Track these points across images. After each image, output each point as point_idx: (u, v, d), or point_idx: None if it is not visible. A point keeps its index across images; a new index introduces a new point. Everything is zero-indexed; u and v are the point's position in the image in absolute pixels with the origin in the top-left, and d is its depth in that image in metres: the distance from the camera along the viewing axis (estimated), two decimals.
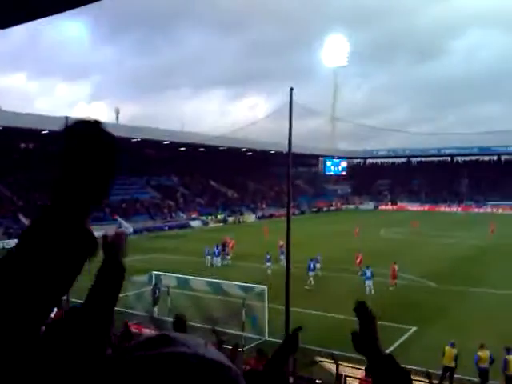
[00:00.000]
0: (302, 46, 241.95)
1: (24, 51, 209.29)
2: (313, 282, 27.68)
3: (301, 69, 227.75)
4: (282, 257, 32.80)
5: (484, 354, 14.86)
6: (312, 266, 28.27)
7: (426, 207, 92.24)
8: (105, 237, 1.45)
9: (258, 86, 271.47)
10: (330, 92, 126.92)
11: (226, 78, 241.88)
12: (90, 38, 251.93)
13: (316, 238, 47.32)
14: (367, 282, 25.92)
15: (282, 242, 34.02)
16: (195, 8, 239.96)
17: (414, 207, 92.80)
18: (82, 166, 1.04)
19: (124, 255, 1.41)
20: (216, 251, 35.07)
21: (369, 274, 26.02)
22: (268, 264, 30.99)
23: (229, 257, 35.52)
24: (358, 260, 29.94)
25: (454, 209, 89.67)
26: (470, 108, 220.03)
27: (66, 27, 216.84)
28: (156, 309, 21.96)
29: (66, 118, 24.70)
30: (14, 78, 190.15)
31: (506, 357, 14.57)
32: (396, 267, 27.40)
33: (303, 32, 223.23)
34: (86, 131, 1.05)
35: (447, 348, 15.17)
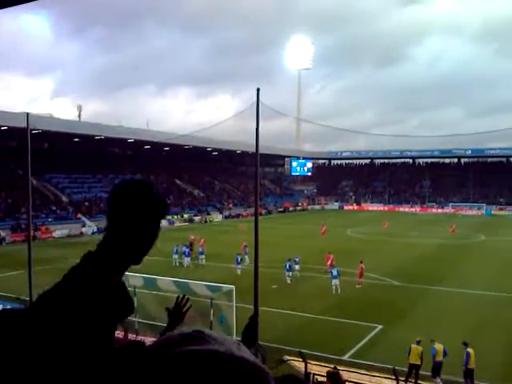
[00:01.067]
0: (269, 47, 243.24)
1: None
2: (289, 281, 27.87)
3: (267, 70, 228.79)
4: (246, 257, 32.96)
5: (439, 347, 15.29)
6: (288, 266, 28.32)
7: (389, 207, 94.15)
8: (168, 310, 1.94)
9: (224, 85, 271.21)
10: (295, 93, 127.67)
11: (192, 77, 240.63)
12: (53, 33, 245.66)
13: (283, 237, 47.58)
14: (334, 281, 26.19)
15: (245, 243, 34.25)
16: (161, 6, 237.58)
17: (377, 207, 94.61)
18: (134, 226, 1.08)
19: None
20: (186, 251, 34.74)
21: (335, 273, 26.31)
22: (238, 265, 30.94)
23: (203, 256, 34.69)
24: (329, 262, 29.53)
25: (415, 209, 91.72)
26: (432, 112, 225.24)
27: (26, 21, 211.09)
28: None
29: (27, 114, 23.93)
30: None
31: (468, 349, 15.00)
32: (363, 266, 27.83)
33: (270, 34, 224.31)
34: (141, 193, 1.10)
35: (413, 346, 15.48)
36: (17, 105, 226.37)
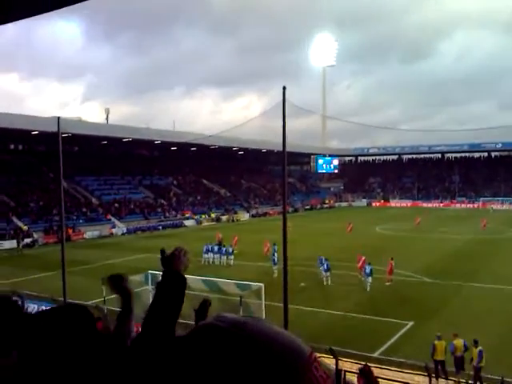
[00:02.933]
0: (294, 45, 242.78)
1: (16, 51, 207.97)
2: (330, 283, 27.25)
3: (293, 68, 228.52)
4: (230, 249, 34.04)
5: (458, 342, 15.11)
6: (326, 265, 27.53)
7: (418, 203, 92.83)
8: (162, 251, 1.66)
9: (250, 85, 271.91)
10: (321, 91, 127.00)
11: (219, 78, 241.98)
12: (84, 38, 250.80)
13: (311, 235, 47.44)
14: (367, 279, 25.98)
15: (236, 238, 36.29)
16: (188, 9, 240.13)
17: (406, 203, 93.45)
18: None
19: (185, 268, 1.63)
20: (223, 250, 34.77)
21: (368, 270, 26.08)
22: (274, 265, 29.68)
23: (232, 256, 34.46)
24: (360, 263, 28.46)
25: (445, 204, 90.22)
26: (460, 106, 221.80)
27: (59, 27, 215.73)
28: None
29: (58, 118, 24.40)
30: (6, 79, 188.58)
31: (480, 348, 14.85)
32: (393, 263, 27.52)
33: (295, 32, 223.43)
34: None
35: (437, 342, 15.34)
36: (48, 109, 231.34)
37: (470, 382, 14.68)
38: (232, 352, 0.71)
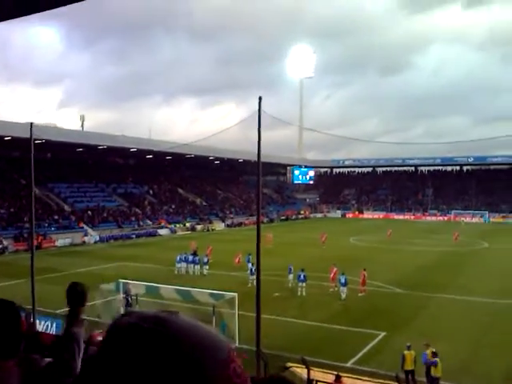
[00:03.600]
0: (274, 57, 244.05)
1: None
2: (304, 293, 27.07)
3: (272, 79, 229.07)
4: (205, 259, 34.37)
5: (430, 351, 15.32)
6: (303, 276, 27.38)
7: (391, 215, 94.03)
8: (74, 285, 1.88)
9: (229, 95, 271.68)
10: (298, 102, 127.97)
11: (198, 87, 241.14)
12: (62, 44, 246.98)
13: (285, 245, 47.50)
14: (342, 289, 26.13)
15: (210, 247, 37.48)
16: (169, 17, 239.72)
17: (379, 215, 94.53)
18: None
19: None
20: (196, 259, 34.45)
21: (343, 280, 26.21)
22: (251, 275, 28.56)
23: (207, 266, 34.18)
24: (332, 274, 28.59)
25: (418, 217, 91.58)
26: (436, 120, 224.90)
27: (36, 33, 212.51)
28: None
29: (31, 124, 24.03)
30: None
31: (427, 351, 15.23)
32: (365, 274, 27.72)
33: (275, 43, 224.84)
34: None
35: (406, 352, 15.52)
36: (24, 115, 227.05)
37: None
38: (154, 351, 0.68)
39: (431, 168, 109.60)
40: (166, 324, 0.72)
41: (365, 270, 27.97)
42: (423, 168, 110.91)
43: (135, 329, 0.71)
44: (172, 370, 0.68)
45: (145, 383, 0.67)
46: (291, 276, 29.32)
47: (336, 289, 27.54)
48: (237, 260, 35.46)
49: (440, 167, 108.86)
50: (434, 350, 15.27)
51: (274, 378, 1.75)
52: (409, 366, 15.36)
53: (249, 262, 33.37)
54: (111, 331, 0.74)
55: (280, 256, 38.42)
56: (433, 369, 14.83)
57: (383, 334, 20.12)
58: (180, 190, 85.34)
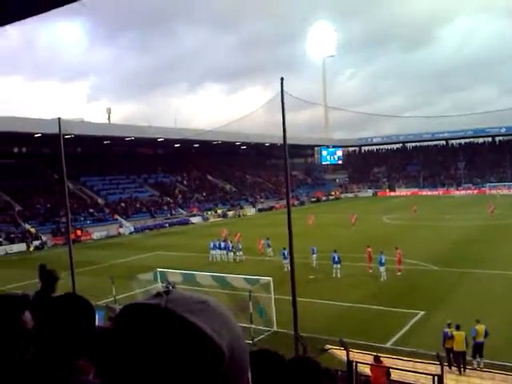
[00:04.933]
0: (295, 37, 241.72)
1: (20, 54, 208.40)
2: (339, 275, 27.05)
3: (296, 60, 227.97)
4: (239, 245, 34.38)
5: (480, 328, 15.09)
6: (337, 258, 27.37)
7: (423, 192, 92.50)
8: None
9: (254, 79, 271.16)
10: (322, 82, 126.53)
11: (222, 73, 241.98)
12: (87, 38, 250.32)
13: (318, 228, 47.37)
14: (381, 268, 25.90)
15: (238, 234, 37.16)
16: (189, 5, 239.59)
17: (412, 192, 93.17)
18: None
19: None
20: (230, 246, 34.67)
21: (383, 260, 25.98)
22: (285, 259, 28.42)
23: (241, 252, 34.21)
24: (368, 255, 28.24)
25: (452, 192, 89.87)
26: (464, 92, 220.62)
27: (62, 29, 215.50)
28: None
29: (59, 119, 24.45)
30: (11, 81, 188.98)
31: (476, 327, 15.17)
32: (400, 252, 27.39)
33: (296, 24, 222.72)
34: None
35: (455, 332, 15.12)
36: (52, 112, 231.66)
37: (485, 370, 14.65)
38: (157, 321, 0.73)
39: (462, 141, 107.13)
40: (168, 298, 0.77)
41: (397, 248, 27.57)
42: (454, 141, 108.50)
43: (141, 308, 0.75)
44: (179, 342, 0.72)
45: (159, 357, 0.71)
46: (315, 256, 29.78)
47: (372, 270, 27.45)
48: (260, 247, 35.69)
49: (472, 139, 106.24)
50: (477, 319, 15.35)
51: (298, 360, 1.75)
52: (460, 347, 15.03)
53: (269, 246, 33.64)
54: (119, 317, 0.77)
55: (313, 238, 38.38)
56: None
57: (422, 312, 19.93)
58: (209, 177, 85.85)
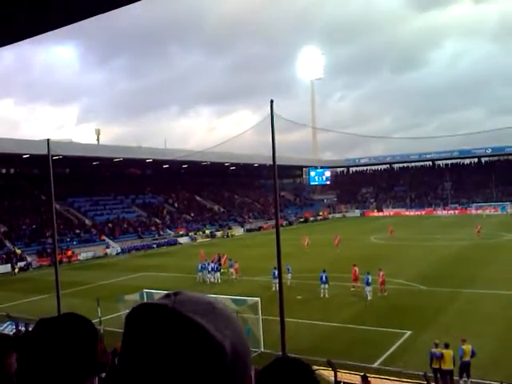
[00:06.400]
0: (286, 60, 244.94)
1: (12, 77, 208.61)
2: (327, 295, 27.00)
3: (284, 83, 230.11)
4: (231, 269, 34.17)
5: (467, 347, 15.12)
6: (324, 277, 27.28)
7: (413, 212, 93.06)
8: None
9: (244, 102, 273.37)
10: (312, 103, 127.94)
11: (213, 96, 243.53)
12: (80, 62, 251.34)
13: (307, 247, 47.34)
14: (367, 288, 25.90)
15: (223, 254, 37.09)
16: (183, 29, 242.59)
17: (399, 212, 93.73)
18: None
19: None
20: (215, 266, 34.34)
21: (369, 280, 25.98)
22: (274, 279, 27.53)
23: (235, 275, 34.02)
24: (354, 275, 28.32)
25: (439, 212, 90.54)
26: (452, 114, 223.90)
27: (54, 51, 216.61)
28: None
29: (48, 140, 24.44)
30: (2, 104, 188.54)
31: (463, 347, 15.22)
32: (382, 273, 27.11)
33: (286, 48, 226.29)
34: None
35: (444, 351, 15.14)
36: (43, 133, 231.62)
37: None
38: (166, 324, 0.78)
39: (449, 162, 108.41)
40: (176, 299, 0.82)
41: (380, 269, 27.32)
42: (440, 162, 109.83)
43: (149, 308, 0.81)
44: (184, 340, 0.77)
45: (165, 353, 0.76)
46: (289, 275, 29.79)
47: (357, 289, 27.57)
48: (223, 263, 36.24)
49: (458, 160, 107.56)
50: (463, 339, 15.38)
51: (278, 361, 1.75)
52: (448, 366, 15.05)
53: (231, 267, 34.22)
54: (129, 316, 0.82)
55: (301, 258, 38.38)
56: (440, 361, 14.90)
57: (409, 332, 19.93)
58: (198, 198, 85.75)
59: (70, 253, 51.96)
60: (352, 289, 27.90)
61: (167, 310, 0.79)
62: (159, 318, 0.78)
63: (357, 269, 28.32)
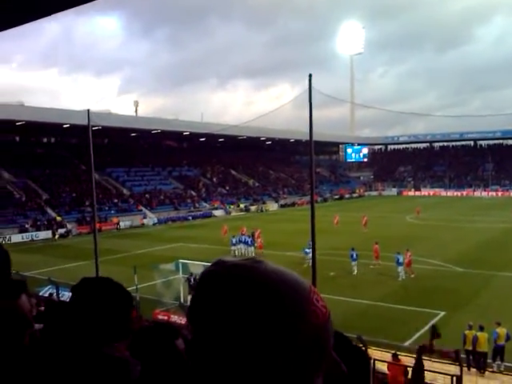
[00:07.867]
0: (327, 35, 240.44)
1: (58, 47, 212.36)
2: (356, 272, 27.16)
3: (324, 58, 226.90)
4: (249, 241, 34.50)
5: (501, 331, 14.89)
6: (355, 255, 27.41)
7: (452, 192, 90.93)
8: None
9: (283, 76, 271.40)
10: (353, 79, 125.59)
11: (253, 69, 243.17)
12: (122, 34, 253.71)
13: (341, 224, 47.06)
14: (399, 268, 25.73)
15: (256, 229, 36.75)
16: (223, 3, 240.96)
17: (438, 192, 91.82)
18: None
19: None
20: (248, 240, 34.75)
21: (400, 259, 25.80)
22: (307, 255, 27.95)
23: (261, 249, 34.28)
24: (375, 252, 28.67)
25: (479, 193, 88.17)
26: (496, 93, 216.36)
27: (98, 23, 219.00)
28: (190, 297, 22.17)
29: (88, 111, 24.83)
30: (46, 74, 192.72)
31: (497, 330, 14.97)
32: (409, 254, 26.57)
33: (327, 22, 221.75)
34: None
35: (479, 333, 14.96)
36: (85, 103, 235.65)
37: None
38: (242, 294, 0.75)
39: (491, 142, 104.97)
40: (253, 270, 0.78)
41: (408, 250, 26.89)
42: (482, 142, 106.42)
43: (223, 276, 0.77)
44: (260, 310, 0.74)
45: (237, 323, 0.74)
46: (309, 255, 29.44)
47: (376, 266, 28.16)
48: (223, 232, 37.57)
49: (501, 141, 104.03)
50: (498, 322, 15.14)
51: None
52: (483, 348, 14.91)
53: (233, 244, 34.79)
54: (202, 281, 0.79)
55: (336, 235, 38.26)
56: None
57: (443, 313, 19.75)
58: (233, 172, 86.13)
59: (116, 220, 54.42)
60: (371, 266, 28.22)
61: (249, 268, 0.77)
62: (239, 279, 0.76)
63: (378, 246, 28.56)
